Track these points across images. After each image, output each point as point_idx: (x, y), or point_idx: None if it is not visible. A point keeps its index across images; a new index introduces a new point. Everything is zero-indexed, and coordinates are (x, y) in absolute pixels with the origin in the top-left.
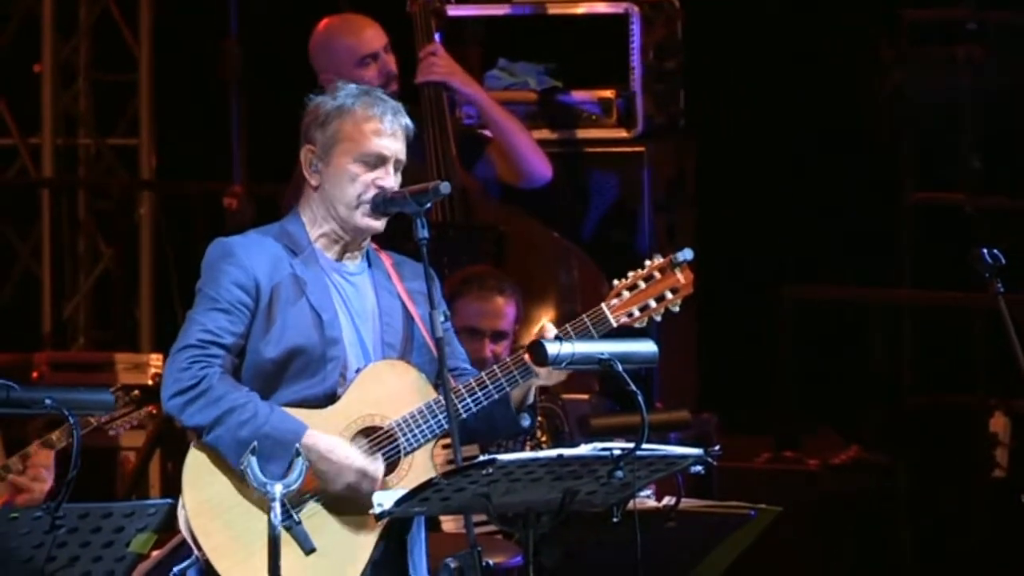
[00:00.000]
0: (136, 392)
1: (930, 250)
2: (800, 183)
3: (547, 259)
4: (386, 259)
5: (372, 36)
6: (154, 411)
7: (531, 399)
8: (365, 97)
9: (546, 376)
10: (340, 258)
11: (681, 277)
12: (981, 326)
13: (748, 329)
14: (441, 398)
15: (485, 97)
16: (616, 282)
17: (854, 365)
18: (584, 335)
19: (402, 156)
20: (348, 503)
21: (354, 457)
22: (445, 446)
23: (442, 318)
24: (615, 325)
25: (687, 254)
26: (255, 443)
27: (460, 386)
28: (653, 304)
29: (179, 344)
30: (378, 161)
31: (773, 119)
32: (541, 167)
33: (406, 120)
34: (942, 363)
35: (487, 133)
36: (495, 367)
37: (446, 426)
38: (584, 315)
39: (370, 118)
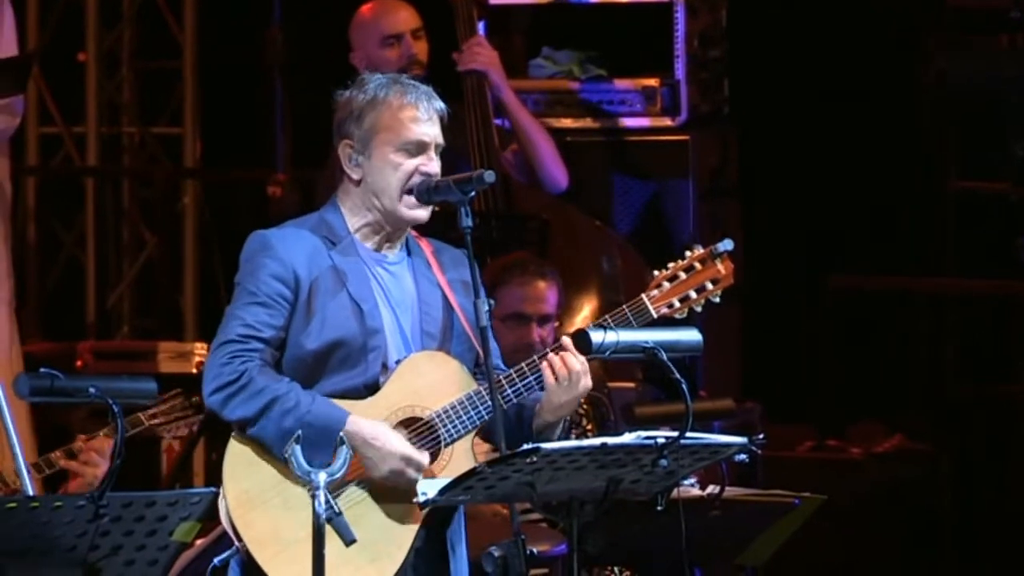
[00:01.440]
0: (196, 398)
1: (973, 239)
2: (843, 171)
3: (590, 248)
4: (426, 246)
5: (401, 19)
6: (199, 400)
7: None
8: (396, 85)
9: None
10: (380, 248)
11: (721, 268)
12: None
13: (791, 318)
14: (481, 389)
15: (516, 98)
16: (656, 273)
17: (897, 354)
18: (624, 325)
19: (441, 140)
20: (389, 492)
21: (398, 443)
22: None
23: (486, 307)
24: (655, 316)
25: (727, 244)
26: (299, 432)
27: (500, 376)
28: (693, 295)
29: (219, 340)
30: (419, 148)
31: (816, 107)
32: (559, 176)
33: (440, 103)
34: (984, 352)
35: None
36: (535, 357)
37: (486, 417)
38: (625, 305)
39: (405, 106)
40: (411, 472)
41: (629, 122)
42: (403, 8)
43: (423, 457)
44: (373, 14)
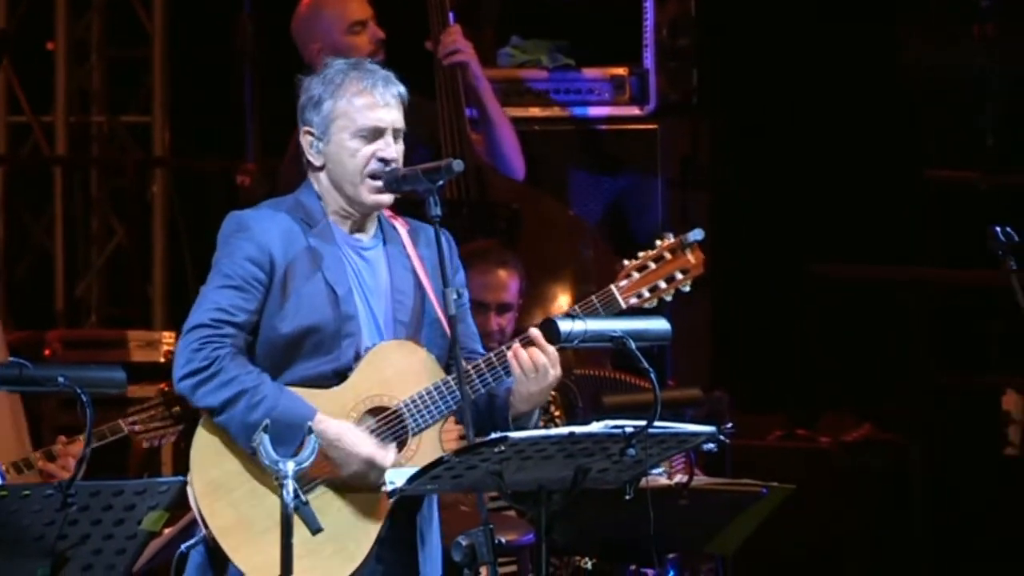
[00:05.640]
0: (177, 408)
1: (947, 228)
2: (815, 160)
3: (562, 237)
4: (402, 227)
5: (359, 6)
6: (165, 388)
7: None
8: (353, 71)
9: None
10: (353, 232)
11: (691, 257)
12: (996, 304)
13: (760, 307)
14: (449, 379)
15: (489, 87)
16: (626, 262)
17: (870, 343)
18: (593, 316)
19: (400, 124)
20: (356, 484)
21: (362, 445)
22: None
23: (455, 295)
24: (624, 306)
25: (697, 234)
26: (267, 422)
27: (469, 367)
28: (663, 285)
29: (191, 322)
30: (375, 134)
31: (788, 96)
32: (518, 167)
33: (398, 87)
34: (958, 341)
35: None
36: (503, 347)
37: (454, 407)
38: (593, 296)
39: (361, 91)
40: (374, 475)
41: (598, 111)
42: None
43: (387, 456)
44: (332, 5)
